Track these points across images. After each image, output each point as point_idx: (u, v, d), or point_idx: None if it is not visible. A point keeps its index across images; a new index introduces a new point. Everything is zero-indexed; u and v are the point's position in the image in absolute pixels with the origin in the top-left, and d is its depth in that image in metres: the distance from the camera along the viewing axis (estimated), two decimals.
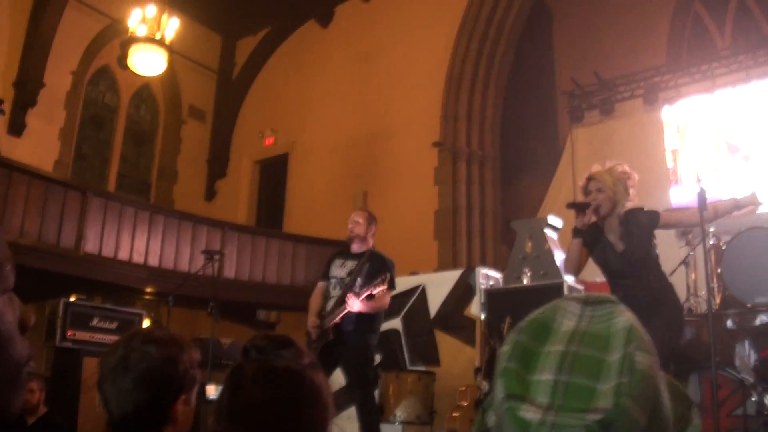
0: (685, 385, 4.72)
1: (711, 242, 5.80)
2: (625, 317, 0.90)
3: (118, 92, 13.37)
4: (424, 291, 7.22)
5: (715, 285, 5.41)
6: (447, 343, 6.90)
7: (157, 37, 9.76)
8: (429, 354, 6.98)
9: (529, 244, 6.89)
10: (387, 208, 11.51)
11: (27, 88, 10.99)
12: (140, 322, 7.57)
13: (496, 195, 11.74)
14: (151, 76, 11.59)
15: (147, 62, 10.00)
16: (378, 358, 7.04)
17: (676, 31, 10.96)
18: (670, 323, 3.89)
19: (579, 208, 4.08)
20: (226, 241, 10.49)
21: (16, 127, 10.97)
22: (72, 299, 7.86)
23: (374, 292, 4.96)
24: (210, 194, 14.33)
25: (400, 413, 6.21)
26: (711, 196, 4.41)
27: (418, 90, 11.72)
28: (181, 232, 10.19)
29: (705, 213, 3.98)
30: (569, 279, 6.47)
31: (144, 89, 13.78)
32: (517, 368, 0.90)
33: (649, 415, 0.83)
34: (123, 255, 9.51)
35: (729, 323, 5.29)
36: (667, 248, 5.09)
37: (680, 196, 9.17)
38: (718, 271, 5.54)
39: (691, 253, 6.30)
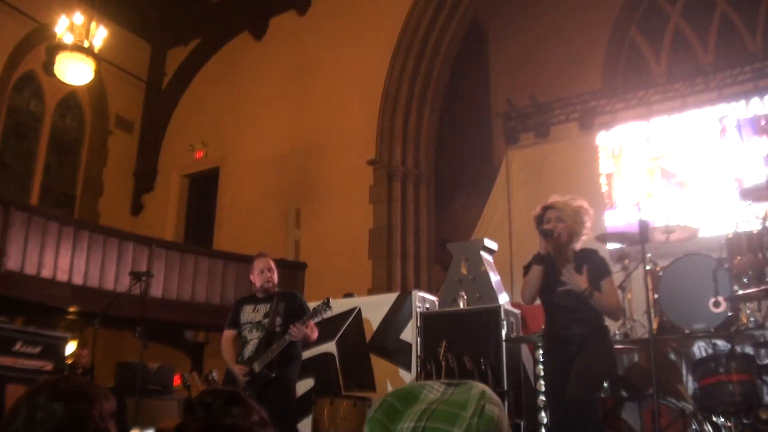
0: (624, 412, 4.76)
1: (647, 267, 5.88)
2: (480, 387, 1.06)
3: (43, 99, 12.94)
4: (359, 314, 7.11)
5: (652, 310, 5.47)
6: (382, 368, 6.80)
7: (85, 45, 9.52)
8: (364, 379, 6.87)
9: (465, 266, 6.87)
10: (321, 226, 11.44)
11: None
12: (64, 346, 7.25)
13: (431, 215, 11.76)
14: (78, 84, 11.26)
15: (74, 71, 9.76)
16: (311, 382, 6.93)
17: (612, 56, 11.22)
18: (597, 354, 3.97)
19: (548, 234, 4.08)
20: (154, 259, 10.21)
21: None
22: None
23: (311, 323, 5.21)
24: (137, 209, 13.99)
25: None
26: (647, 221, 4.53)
27: (354, 106, 11.68)
28: (107, 248, 9.86)
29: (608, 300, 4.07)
30: (504, 301, 6.48)
31: (70, 97, 13.35)
32: (382, 419, 0.95)
33: None
34: (47, 273, 9.13)
35: (668, 351, 5.36)
36: None
37: (615, 219, 9.35)
38: (655, 296, 5.61)
39: (628, 278, 6.39)
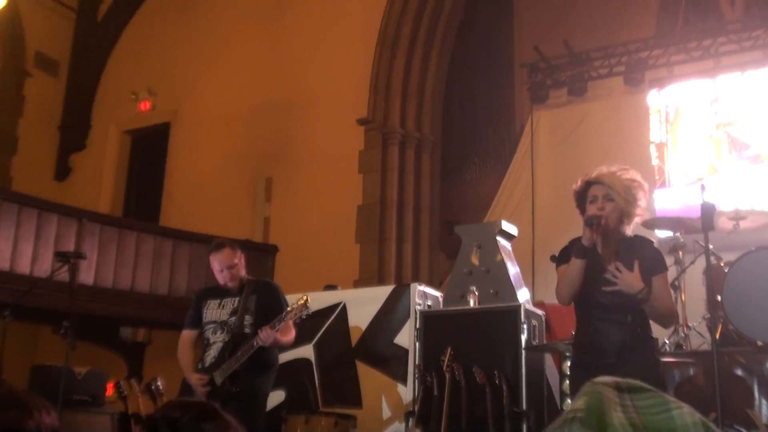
0: None
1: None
2: (686, 410, 1.11)
3: None
4: (344, 311, 7.12)
5: (714, 316, 5.47)
6: (372, 379, 6.82)
7: None
8: (348, 392, 6.88)
9: (477, 255, 6.87)
10: (297, 200, 11.43)
11: None
12: None
13: (435, 189, 11.77)
14: None
15: None
16: (282, 395, 6.93)
17: None
18: (640, 370, 3.92)
19: (596, 222, 3.95)
20: (84, 236, 10.15)
21: None
22: None
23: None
24: (62, 172, 14.01)
25: None
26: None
27: (342, 52, 11.65)
28: (22, 221, 9.79)
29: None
30: (524, 299, 6.49)
31: None
32: None
33: None
34: None
35: (734, 367, 5.37)
36: None
37: (667, 200, 9.32)
38: (718, 298, 5.60)
39: (682, 275, 6.39)
